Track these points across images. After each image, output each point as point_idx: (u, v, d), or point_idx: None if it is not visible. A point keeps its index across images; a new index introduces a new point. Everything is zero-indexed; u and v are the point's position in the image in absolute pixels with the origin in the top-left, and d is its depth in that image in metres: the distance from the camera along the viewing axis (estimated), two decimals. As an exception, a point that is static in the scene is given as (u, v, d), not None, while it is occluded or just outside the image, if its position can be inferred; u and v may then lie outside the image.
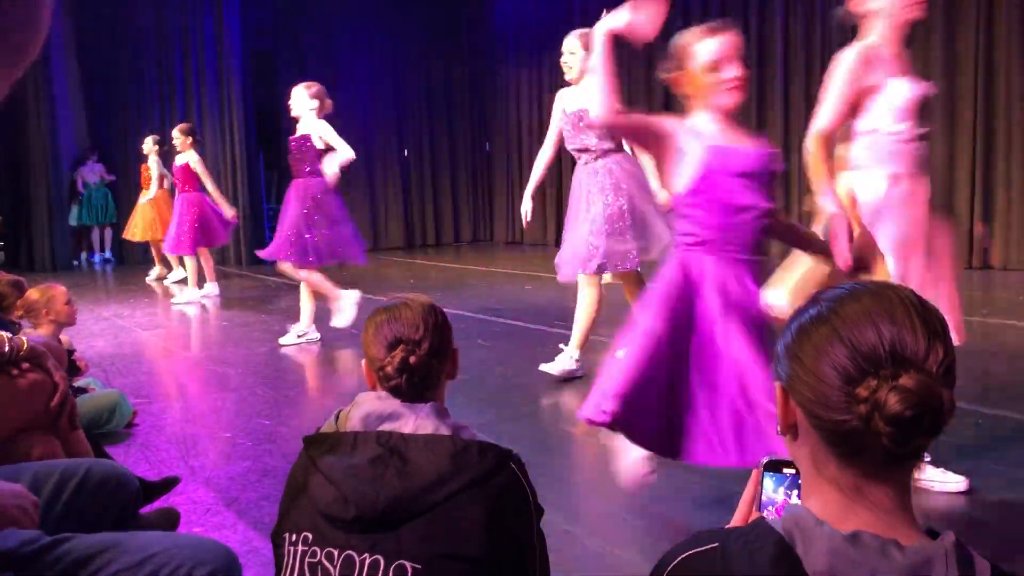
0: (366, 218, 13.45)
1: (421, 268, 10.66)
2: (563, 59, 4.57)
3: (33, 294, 3.67)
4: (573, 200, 4.63)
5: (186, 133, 8.21)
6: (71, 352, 4.01)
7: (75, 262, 12.08)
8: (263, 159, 14.57)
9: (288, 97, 6.01)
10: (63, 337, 4.04)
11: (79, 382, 3.98)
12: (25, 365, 2.01)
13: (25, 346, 2.01)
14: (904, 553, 0.84)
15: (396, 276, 9.89)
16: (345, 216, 5.97)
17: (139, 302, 8.37)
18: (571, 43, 4.57)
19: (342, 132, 14.19)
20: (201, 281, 8.33)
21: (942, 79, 8.17)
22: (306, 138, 5.79)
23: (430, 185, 13.95)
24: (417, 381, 1.51)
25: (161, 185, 9.73)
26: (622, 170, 4.48)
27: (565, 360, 4.59)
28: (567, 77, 4.58)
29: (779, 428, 0.98)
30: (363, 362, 1.60)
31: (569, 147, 4.61)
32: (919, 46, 8.36)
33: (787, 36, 9.57)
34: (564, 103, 4.62)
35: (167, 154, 9.40)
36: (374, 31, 13.28)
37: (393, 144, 13.64)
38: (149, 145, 9.60)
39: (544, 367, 4.57)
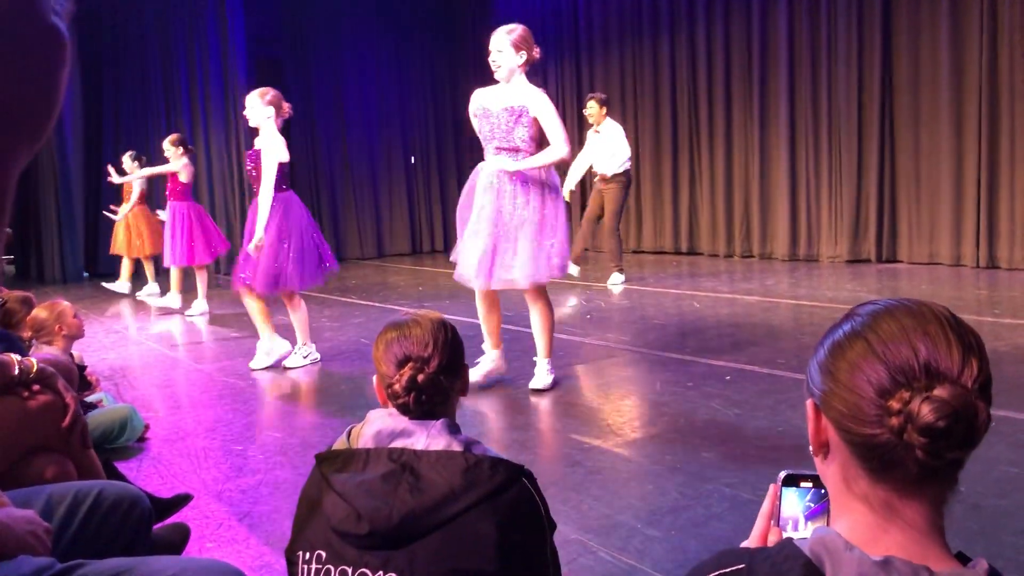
0: (372, 225, 13.49)
1: (429, 275, 10.67)
2: (491, 58, 4.37)
3: (41, 313, 3.68)
4: (491, 200, 4.44)
5: (177, 144, 8.16)
6: (82, 368, 4.02)
7: (85, 274, 12.12)
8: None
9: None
10: (74, 352, 4.05)
11: (90, 397, 3.99)
12: (35, 386, 2.01)
13: (35, 367, 2.02)
14: None
15: (404, 284, 9.90)
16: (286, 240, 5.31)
17: (149, 315, 8.39)
18: (499, 40, 4.37)
19: (349, 140, 14.19)
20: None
21: (948, 82, 8.17)
22: (259, 153, 5.26)
23: (437, 191, 13.97)
24: (425, 399, 1.51)
25: (141, 200, 9.60)
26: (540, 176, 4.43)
27: (544, 371, 4.58)
28: (496, 76, 4.41)
29: (811, 447, 0.97)
30: (374, 378, 1.60)
31: (495, 146, 4.44)
32: (926, 49, 8.37)
33: (791, 33, 9.56)
34: (487, 102, 4.48)
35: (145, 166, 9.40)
36: (379, 37, 13.33)
37: (399, 151, 13.68)
38: (130, 163, 9.50)
39: (533, 384, 4.56)
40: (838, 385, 0.90)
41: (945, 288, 7.16)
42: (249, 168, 5.37)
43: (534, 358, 4.63)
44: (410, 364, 1.51)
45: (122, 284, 9.67)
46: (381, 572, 1.37)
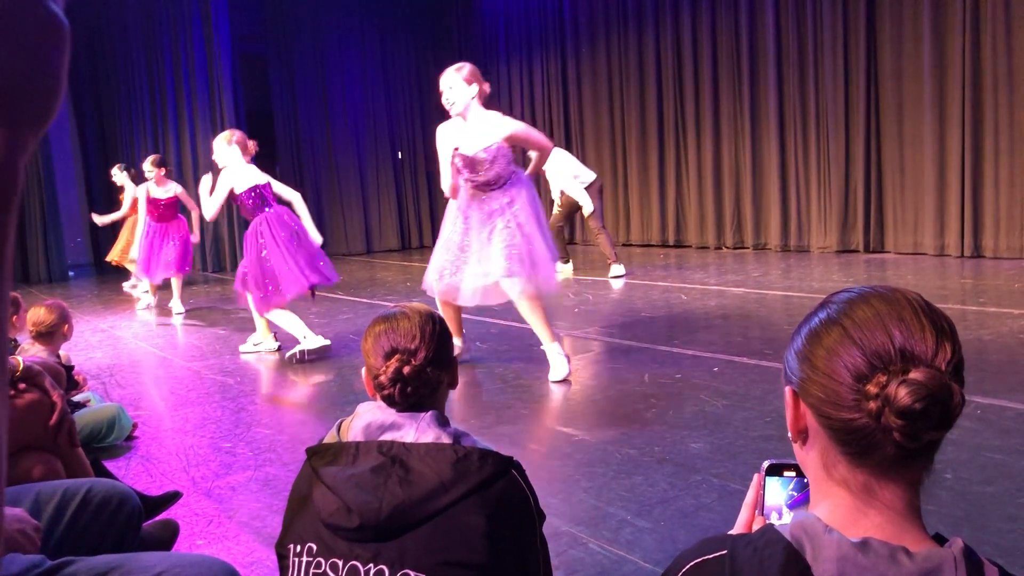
0: (360, 221, 13.46)
1: (417, 271, 10.65)
2: (444, 97, 4.50)
3: (50, 315, 3.66)
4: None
5: (159, 164, 8.19)
6: (70, 367, 4.00)
7: (71, 273, 12.05)
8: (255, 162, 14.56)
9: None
10: (62, 352, 4.03)
11: (78, 396, 3.97)
12: (22, 385, 2.00)
13: (21, 366, 2.01)
14: (913, 560, 0.84)
15: (392, 280, 9.89)
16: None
17: (135, 314, 8.35)
18: (449, 78, 4.49)
19: (335, 135, 14.22)
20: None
21: (931, 72, 8.21)
22: (258, 187, 5.72)
23: (425, 186, 13.96)
24: (411, 391, 1.51)
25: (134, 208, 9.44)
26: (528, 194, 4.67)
27: (558, 359, 4.63)
28: (452, 112, 4.54)
29: (790, 434, 0.98)
30: (363, 371, 1.60)
31: (482, 180, 4.61)
32: (910, 40, 8.41)
33: (778, 24, 9.58)
34: (459, 143, 4.56)
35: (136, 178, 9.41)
36: (364, 33, 13.29)
37: (386, 146, 13.64)
38: (120, 175, 9.46)
39: (552, 376, 4.62)
40: (815, 372, 0.92)
41: (931, 278, 7.21)
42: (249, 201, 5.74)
43: (541, 347, 4.69)
44: (396, 356, 1.51)
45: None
46: (371, 565, 1.37)
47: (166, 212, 8.25)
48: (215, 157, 5.77)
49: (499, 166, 4.54)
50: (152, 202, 8.23)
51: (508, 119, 4.57)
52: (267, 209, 5.73)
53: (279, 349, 5.93)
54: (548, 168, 8.66)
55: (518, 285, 4.52)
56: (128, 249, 9.30)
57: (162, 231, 8.22)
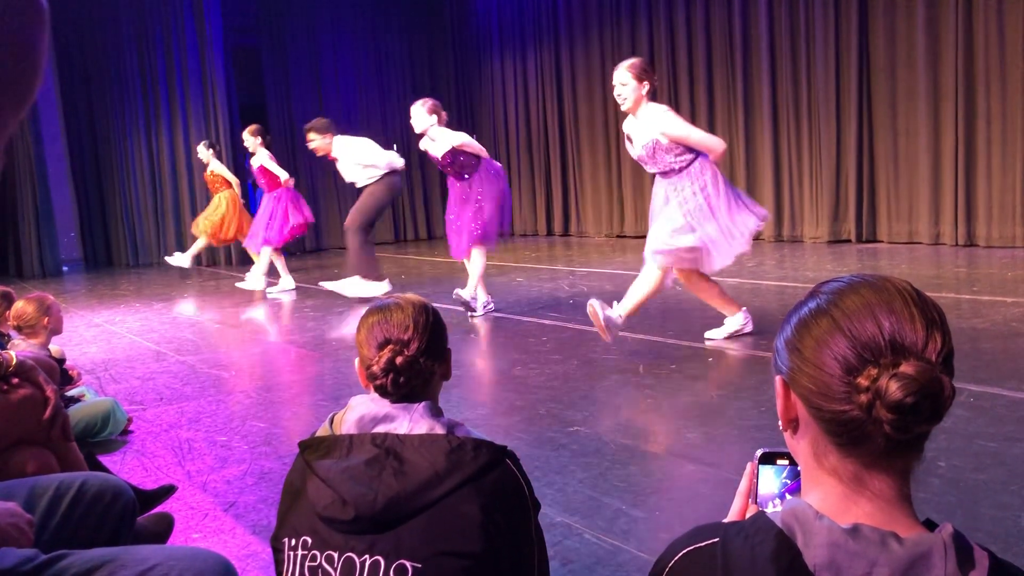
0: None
1: (412, 263, 10.66)
2: (616, 92, 4.65)
3: (28, 307, 3.65)
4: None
5: (256, 134, 8.54)
6: (62, 361, 3.99)
7: (64, 268, 12.01)
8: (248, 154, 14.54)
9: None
10: (54, 347, 4.03)
11: (72, 391, 3.97)
12: (15, 380, 2.00)
13: (14, 361, 2.01)
14: (903, 545, 0.84)
15: (387, 273, 9.86)
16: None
17: (130, 307, 8.34)
18: (621, 75, 4.64)
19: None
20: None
21: (924, 62, 8.21)
22: (453, 152, 6.17)
23: (419, 178, 13.92)
24: (403, 381, 1.51)
25: (229, 184, 9.86)
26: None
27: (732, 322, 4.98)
28: (624, 108, 4.70)
29: (780, 423, 0.98)
30: (356, 362, 1.60)
31: (657, 170, 4.80)
32: (903, 29, 8.41)
33: (771, 15, 9.56)
34: (632, 136, 4.78)
35: (219, 155, 9.96)
36: (357, 25, 13.25)
37: (380, 139, 13.58)
38: (205, 152, 9.79)
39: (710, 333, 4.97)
40: (805, 362, 0.91)
41: (924, 267, 7.22)
42: (444, 164, 6.28)
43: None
44: (389, 347, 1.51)
45: (184, 257, 9.97)
46: (367, 556, 1.38)
47: (264, 181, 8.56)
48: (414, 122, 6.20)
49: (662, 161, 4.64)
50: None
51: (667, 117, 4.61)
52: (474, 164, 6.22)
53: None
54: (339, 158, 7.58)
55: (655, 263, 4.77)
56: (223, 228, 9.67)
57: (273, 201, 8.56)
